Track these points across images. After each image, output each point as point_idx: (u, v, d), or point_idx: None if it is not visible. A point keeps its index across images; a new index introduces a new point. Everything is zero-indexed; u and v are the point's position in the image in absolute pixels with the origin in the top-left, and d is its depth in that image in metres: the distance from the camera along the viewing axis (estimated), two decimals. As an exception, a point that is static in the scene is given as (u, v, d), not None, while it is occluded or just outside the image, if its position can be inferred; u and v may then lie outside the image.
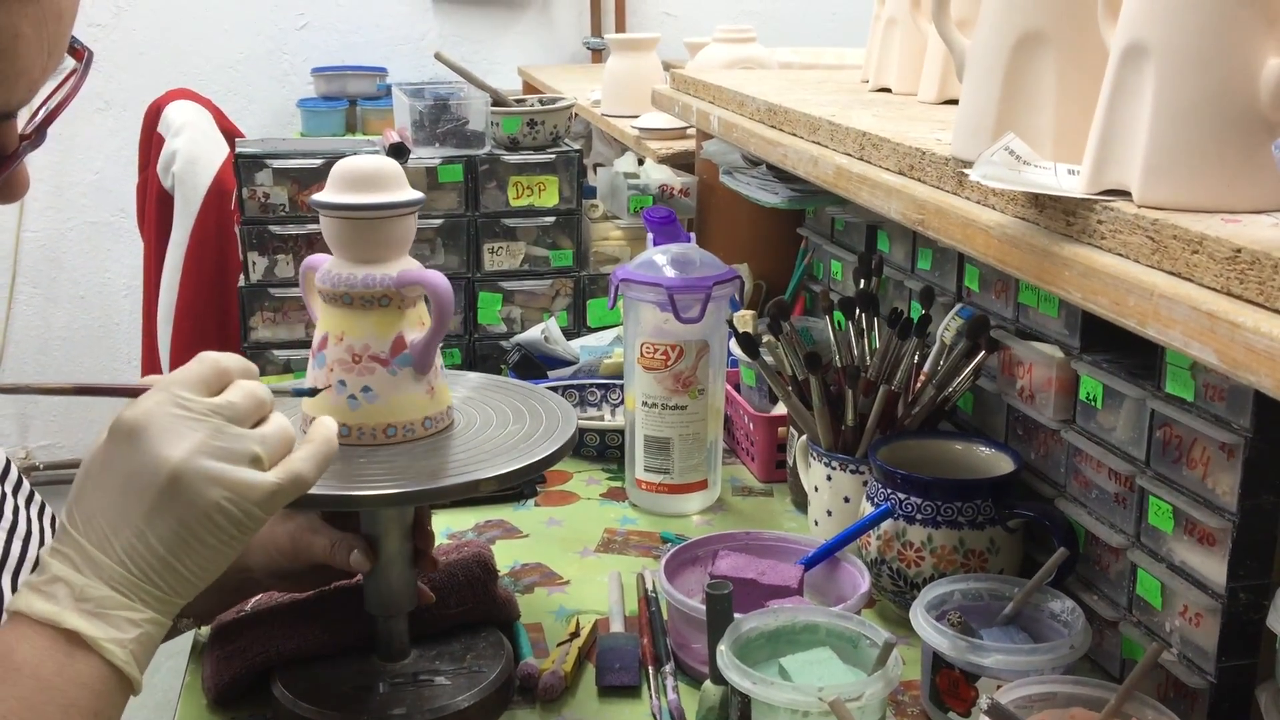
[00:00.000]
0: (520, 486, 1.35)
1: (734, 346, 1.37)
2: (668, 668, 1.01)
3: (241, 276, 1.63)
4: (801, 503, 1.33)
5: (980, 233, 0.76)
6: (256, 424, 0.75)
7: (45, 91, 0.68)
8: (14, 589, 0.82)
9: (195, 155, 2.11)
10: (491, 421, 0.95)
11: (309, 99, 3.36)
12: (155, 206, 2.16)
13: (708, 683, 0.95)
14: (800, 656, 0.92)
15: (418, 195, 0.91)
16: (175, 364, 2.16)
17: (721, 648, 0.89)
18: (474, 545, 1.10)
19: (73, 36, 0.71)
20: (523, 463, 0.89)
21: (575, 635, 1.05)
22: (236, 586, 0.99)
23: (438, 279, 0.90)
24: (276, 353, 1.64)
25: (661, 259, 1.30)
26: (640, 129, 1.96)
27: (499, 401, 0.99)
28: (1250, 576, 0.87)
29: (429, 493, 0.87)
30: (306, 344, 1.65)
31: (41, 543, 0.90)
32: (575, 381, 1.54)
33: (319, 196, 0.90)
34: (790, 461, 1.33)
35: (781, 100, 1.24)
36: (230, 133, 2.26)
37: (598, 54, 3.58)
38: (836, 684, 0.85)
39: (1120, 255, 0.64)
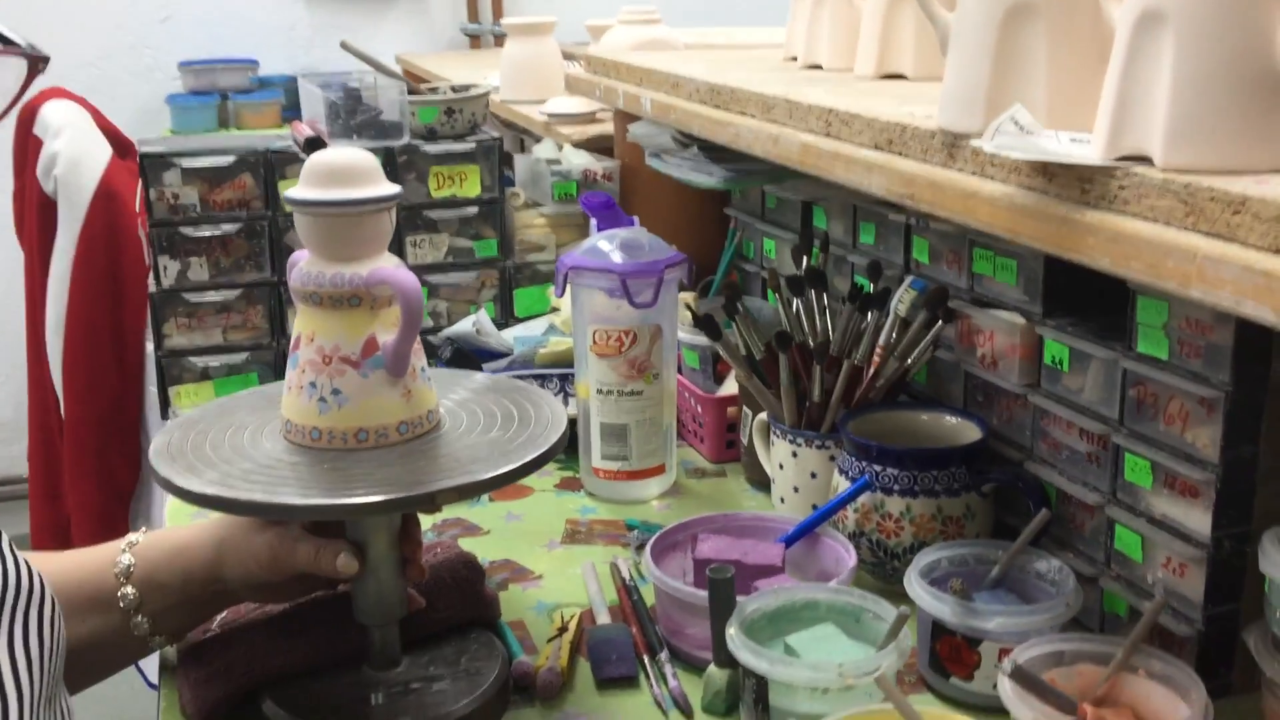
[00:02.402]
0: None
1: (682, 330, 1.36)
2: (663, 655, 1.00)
3: (152, 282, 1.55)
4: (758, 481, 1.33)
5: (984, 204, 0.77)
6: None
7: None
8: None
9: (77, 157, 2.01)
10: (478, 424, 0.92)
11: (178, 94, 3.23)
12: (36, 212, 2.05)
13: (712, 667, 0.94)
14: (805, 634, 0.93)
15: (393, 190, 0.88)
16: (67, 375, 2.05)
17: (731, 630, 0.89)
18: (447, 545, 1.07)
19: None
20: (491, 473, 0.85)
21: (564, 630, 1.03)
22: (209, 600, 0.95)
23: (405, 278, 0.87)
24: (194, 359, 1.57)
25: (608, 245, 1.28)
26: (550, 114, 1.94)
27: (491, 404, 0.96)
28: (1232, 525, 0.90)
29: (395, 503, 0.83)
30: (224, 350, 1.59)
31: (4, 567, 0.84)
32: (511, 373, 1.52)
33: (290, 193, 0.87)
34: (745, 441, 1.33)
35: (724, 80, 1.24)
36: (111, 132, 2.15)
37: (476, 40, 3.53)
38: (854, 659, 0.85)
39: (1148, 220, 0.65)
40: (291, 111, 3.26)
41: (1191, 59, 0.63)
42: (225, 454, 0.87)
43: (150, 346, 2.00)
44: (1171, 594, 0.94)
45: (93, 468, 2.03)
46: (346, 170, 0.85)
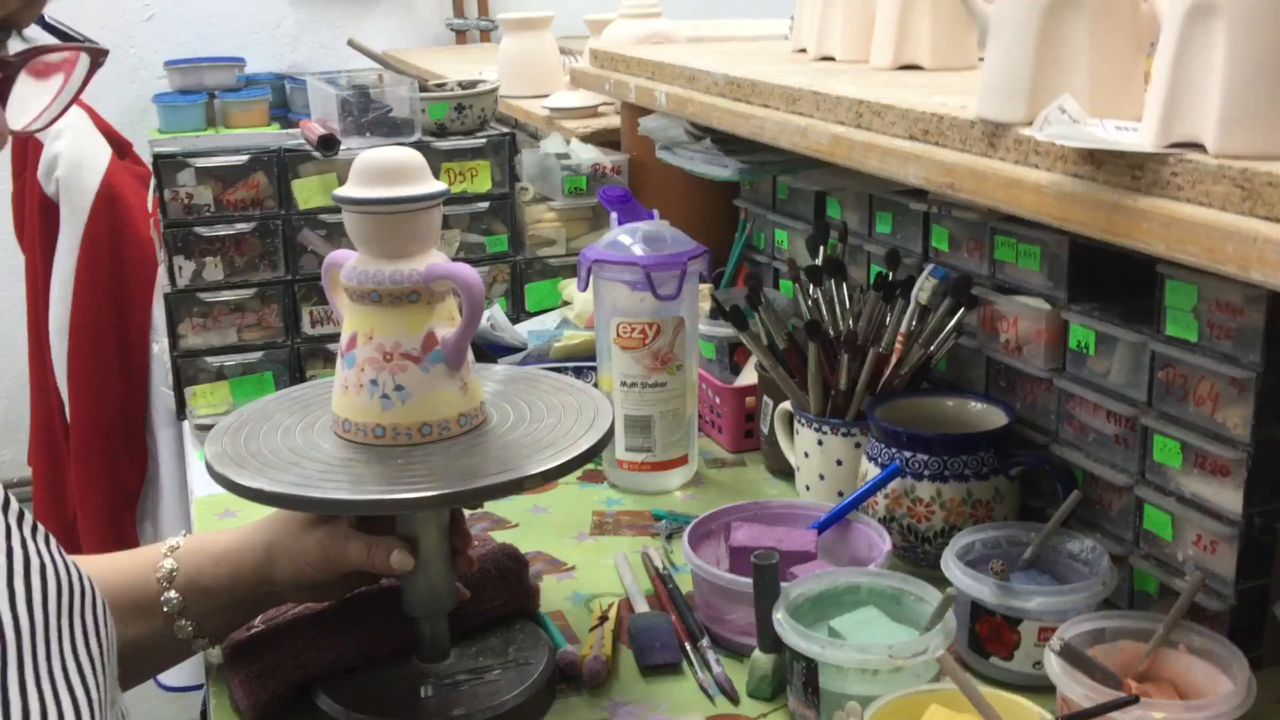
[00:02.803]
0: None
1: (703, 321, 1.38)
2: (704, 642, 1.02)
3: (167, 282, 1.55)
4: (779, 470, 1.35)
5: (1030, 192, 0.79)
6: None
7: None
8: (45, 623, 0.77)
9: (79, 159, 2.00)
10: (526, 416, 0.94)
11: (165, 94, 3.21)
12: (38, 215, 2.04)
13: (757, 652, 0.96)
14: (848, 617, 0.94)
15: (441, 187, 0.89)
16: (73, 376, 2.05)
17: (778, 616, 0.90)
18: (483, 538, 1.09)
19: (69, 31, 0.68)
20: (565, 457, 0.88)
21: (604, 619, 1.04)
22: (256, 601, 0.96)
23: (467, 272, 0.88)
24: (209, 359, 1.57)
25: (629, 239, 1.30)
26: (552, 109, 1.94)
27: (530, 395, 0.97)
28: (1263, 502, 0.92)
29: (473, 492, 0.85)
30: (239, 349, 1.59)
31: (55, 569, 0.84)
32: (527, 367, 1.53)
33: (341, 191, 0.88)
34: (766, 430, 1.35)
35: (744, 73, 1.25)
36: (108, 132, 2.15)
37: (462, 35, 3.53)
38: (903, 641, 0.87)
39: (1202, 205, 0.67)
40: (280, 109, 3.25)
41: (1244, 48, 0.65)
42: (287, 456, 0.88)
43: (156, 347, 2.00)
44: (1203, 570, 0.96)
45: (99, 470, 2.03)
46: (398, 168, 0.86)
